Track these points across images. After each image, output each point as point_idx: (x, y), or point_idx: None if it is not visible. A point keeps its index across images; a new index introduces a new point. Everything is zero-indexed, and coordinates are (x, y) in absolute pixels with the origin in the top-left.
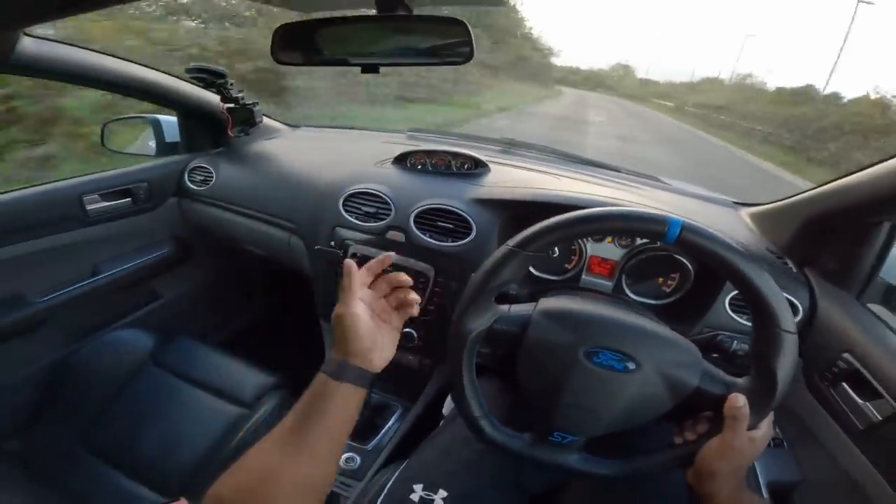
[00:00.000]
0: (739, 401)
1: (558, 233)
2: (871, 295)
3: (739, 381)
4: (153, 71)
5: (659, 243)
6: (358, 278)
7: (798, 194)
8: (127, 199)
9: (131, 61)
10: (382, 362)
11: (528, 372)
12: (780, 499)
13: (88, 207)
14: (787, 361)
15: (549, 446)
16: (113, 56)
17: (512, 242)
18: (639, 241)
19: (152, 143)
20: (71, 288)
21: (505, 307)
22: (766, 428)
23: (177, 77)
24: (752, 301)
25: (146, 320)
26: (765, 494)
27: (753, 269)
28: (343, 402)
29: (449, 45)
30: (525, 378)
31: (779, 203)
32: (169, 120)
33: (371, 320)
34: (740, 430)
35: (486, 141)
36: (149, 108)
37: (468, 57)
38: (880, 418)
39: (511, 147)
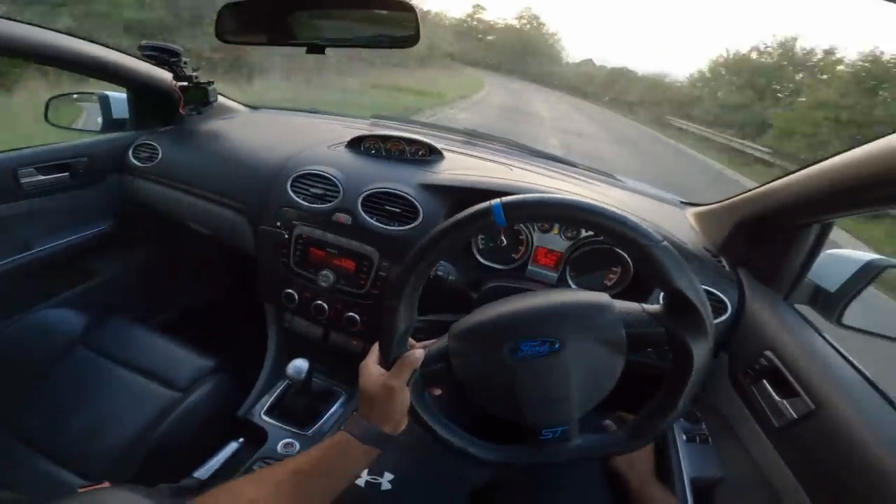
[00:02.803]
0: None
1: (421, 265)
2: (799, 295)
3: (658, 307)
4: (102, 47)
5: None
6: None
7: (737, 196)
8: (65, 174)
9: (79, 37)
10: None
11: (475, 393)
12: (703, 495)
13: (23, 180)
14: (674, 269)
15: (548, 444)
16: (59, 32)
17: (387, 297)
18: (584, 232)
19: (99, 120)
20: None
21: (419, 353)
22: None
23: (128, 54)
24: (612, 237)
25: (79, 300)
26: (688, 491)
27: (591, 206)
28: (361, 463)
29: (395, 28)
30: (478, 398)
31: (718, 204)
32: (118, 97)
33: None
34: None
35: (449, 131)
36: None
37: (413, 41)
38: (796, 416)
39: (473, 138)
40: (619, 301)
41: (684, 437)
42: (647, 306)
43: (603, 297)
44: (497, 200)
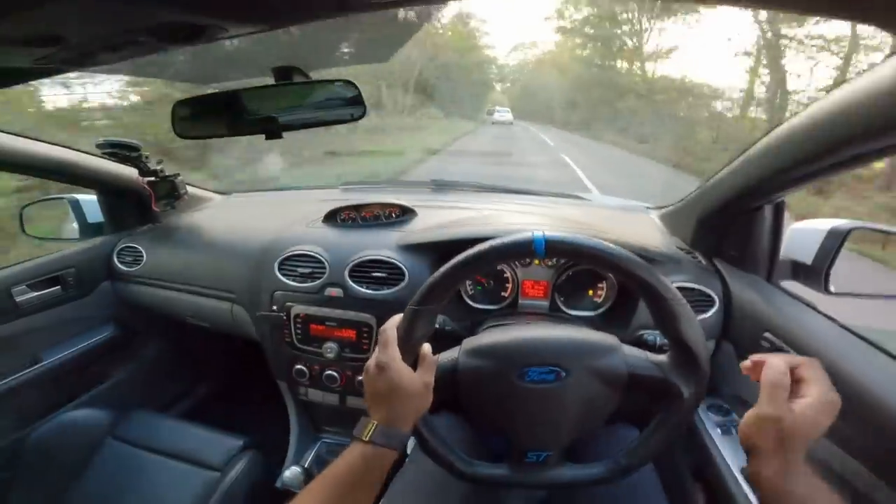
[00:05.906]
0: (779, 366)
1: (446, 282)
2: (781, 273)
3: (664, 357)
4: (62, 149)
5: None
6: (394, 332)
7: (692, 192)
8: (56, 287)
9: (39, 140)
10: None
11: (474, 408)
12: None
13: (18, 299)
14: (687, 325)
15: (530, 467)
16: (15, 134)
17: (412, 302)
18: (563, 259)
19: (75, 226)
20: (10, 378)
21: (433, 358)
22: (815, 398)
23: (89, 153)
24: (635, 284)
25: (99, 401)
26: (741, 481)
27: (622, 255)
28: (387, 468)
29: (344, 104)
30: (474, 414)
31: (679, 203)
32: (88, 199)
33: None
34: (775, 399)
35: (416, 185)
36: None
37: (362, 113)
38: None
39: (439, 188)
40: (627, 346)
41: (719, 431)
42: (651, 355)
43: (613, 340)
44: (540, 233)
